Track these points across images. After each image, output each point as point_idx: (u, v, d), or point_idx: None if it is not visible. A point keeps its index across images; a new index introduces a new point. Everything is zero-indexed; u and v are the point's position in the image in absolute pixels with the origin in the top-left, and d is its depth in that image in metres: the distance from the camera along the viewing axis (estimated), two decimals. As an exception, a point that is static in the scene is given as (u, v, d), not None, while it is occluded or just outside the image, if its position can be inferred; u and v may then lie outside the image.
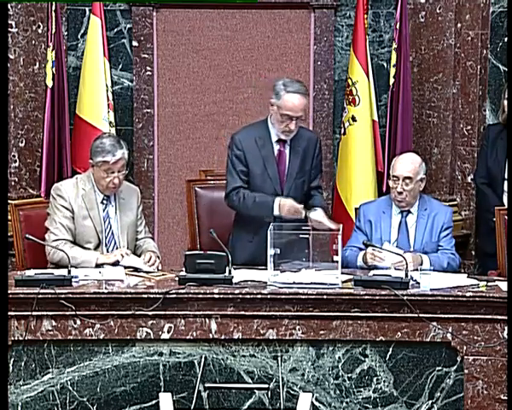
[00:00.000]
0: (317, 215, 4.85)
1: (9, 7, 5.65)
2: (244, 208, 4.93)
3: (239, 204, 4.93)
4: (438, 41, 6.11)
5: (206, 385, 4.29)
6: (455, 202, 6.14)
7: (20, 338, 4.27)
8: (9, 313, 4.13)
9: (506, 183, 5.55)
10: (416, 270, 4.58)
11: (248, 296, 4.32)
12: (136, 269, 4.68)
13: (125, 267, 4.67)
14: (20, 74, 5.77)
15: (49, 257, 4.75)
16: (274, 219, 4.78)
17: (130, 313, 4.31)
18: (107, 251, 4.81)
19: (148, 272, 4.63)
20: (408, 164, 4.92)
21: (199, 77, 6.24)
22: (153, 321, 4.32)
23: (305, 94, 4.88)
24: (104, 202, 4.87)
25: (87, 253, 4.74)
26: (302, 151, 4.98)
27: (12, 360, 4.29)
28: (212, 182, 5.54)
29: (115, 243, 4.85)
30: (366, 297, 4.33)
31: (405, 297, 4.30)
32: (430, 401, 4.39)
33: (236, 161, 4.94)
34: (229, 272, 4.40)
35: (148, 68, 6.17)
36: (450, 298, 4.34)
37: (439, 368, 4.38)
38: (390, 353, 4.38)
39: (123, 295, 4.31)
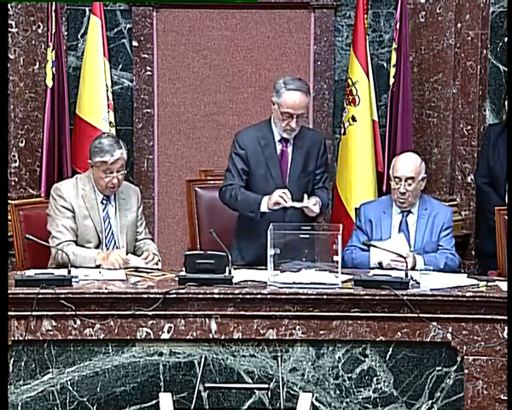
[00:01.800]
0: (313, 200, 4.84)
1: (9, 7, 5.66)
2: (232, 202, 4.90)
3: (229, 198, 4.89)
4: (438, 41, 6.11)
5: (206, 385, 4.29)
6: (455, 202, 6.14)
7: (20, 338, 4.27)
8: (9, 313, 4.13)
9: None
10: (416, 270, 4.59)
11: (248, 296, 4.32)
12: (136, 269, 4.68)
13: (125, 268, 4.67)
14: (20, 74, 5.78)
15: (55, 260, 4.75)
16: (260, 216, 4.78)
17: (130, 313, 4.31)
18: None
19: (148, 272, 4.63)
20: (409, 164, 4.92)
21: (199, 77, 6.24)
22: (153, 321, 4.32)
23: (305, 92, 4.85)
24: (104, 202, 4.87)
25: (89, 251, 4.74)
26: (305, 151, 4.96)
27: (12, 360, 4.29)
28: (212, 182, 5.53)
29: (115, 243, 4.85)
30: (366, 297, 4.33)
31: (405, 297, 4.30)
32: (430, 401, 4.39)
33: (238, 158, 4.93)
34: (229, 272, 4.40)
35: (148, 68, 6.17)
36: (450, 298, 4.34)
37: (439, 368, 4.38)
38: (390, 353, 4.38)
39: (123, 295, 4.31)
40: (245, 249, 4.98)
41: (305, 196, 4.83)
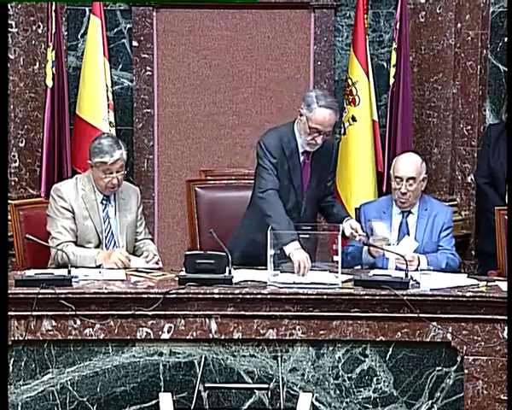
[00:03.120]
0: (354, 224, 4.82)
1: (9, 7, 5.66)
2: (270, 209, 4.70)
3: (269, 205, 4.71)
4: (438, 41, 6.11)
5: (206, 385, 4.29)
6: (455, 202, 6.15)
7: (20, 338, 4.27)
8: (9, 313, 4.13)
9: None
10: (416, 270, 4.59)
11: (248, 296, 4.32)
12: (136, 269, 4.68)
13: (126, 268, 4.67)
14: (20, 74, 5.78)
15: (55, 261, 4.74)
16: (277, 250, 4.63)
17: (130, 313, 4.31)
18: (107, 251, 4.82)
19: (148, 272, 4.63)
20: (410, 164, 4.92)
21: (199, 77, 6.24)
22: (153, 321, 4.32)
23: (336, 110, 4.77)
24: (104, 202, 4.87)
25: (88, 251, 4.74)
26: (321, 160, 4.92)
27: (12, 360, 4.29)
28: (212, 182, 5.54)
29: (115, 243, 4.85)
30: (366, 297, 4.33)
31: (405, 297, 4.30)
32: (430, 401, 4.39)
33: (273, 167, 4.80)
34: (229, 272, 4.40)
35: (148, 68, 6.17)
36: (450, 298, 4.34)
37: (439, 368, 4.38)
38: (390, 353, 4.38)
39: (123, 295, 4.31)
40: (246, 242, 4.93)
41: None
